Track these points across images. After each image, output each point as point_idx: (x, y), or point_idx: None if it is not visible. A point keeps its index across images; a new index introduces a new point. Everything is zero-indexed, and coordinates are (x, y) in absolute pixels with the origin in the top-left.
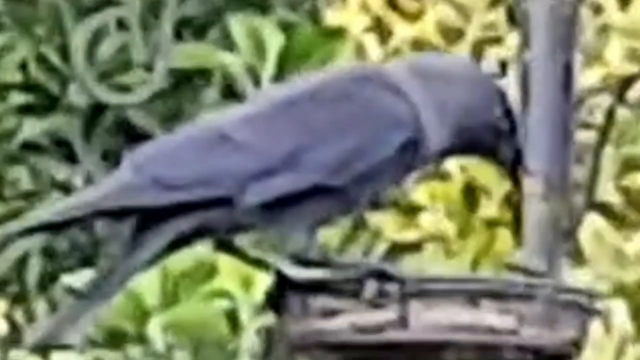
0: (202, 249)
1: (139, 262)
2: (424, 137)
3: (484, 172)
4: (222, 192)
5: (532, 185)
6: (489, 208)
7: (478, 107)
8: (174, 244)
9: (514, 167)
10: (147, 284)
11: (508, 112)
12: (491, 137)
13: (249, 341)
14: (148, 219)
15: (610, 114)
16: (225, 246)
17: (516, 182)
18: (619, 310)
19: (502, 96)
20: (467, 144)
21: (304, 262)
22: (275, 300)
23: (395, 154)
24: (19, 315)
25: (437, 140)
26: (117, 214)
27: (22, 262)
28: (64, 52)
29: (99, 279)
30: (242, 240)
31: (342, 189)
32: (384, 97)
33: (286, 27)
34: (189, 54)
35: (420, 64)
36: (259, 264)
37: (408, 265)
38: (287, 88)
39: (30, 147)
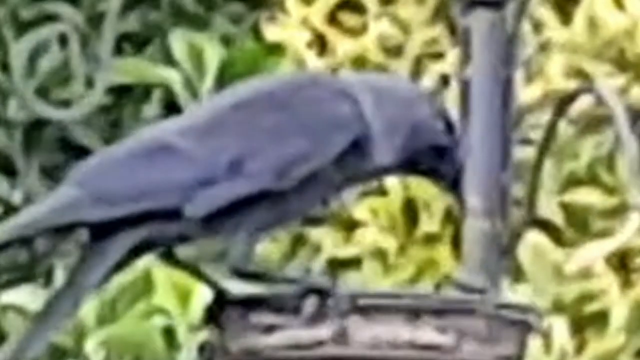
0: (139, 264)
1: (93, 279)
2: (370, 146)
3: (425, 188)
4: (168, 203)
5: (472, 203)
6: (429, 224)
7: (423, 127)
8: (125, 258)
9: (454, 185)
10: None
11: (450, 128)
12: (433, 156)
13: (187, 357)
14: (97, 235)
15: (549, 130)
16: (168, 259)
17: (459, 198)
18: (559, 326)
19: (443, 114)
20: (410, 162)
21: (243, 275)
22: (214, 315)
23: (339, 156)
24: None
25: (383, 154)
26: (64, 231)
27: None
28: (4, 67)
29: (54, 297)
30: (184, 253)
31: (285, 194)
32: (330, 99)
33: (226, 42)
34: (129, 68)
35: (369, 79)
36: (203, 277)
37: (348, 281)
38: (228, 95)
39: None
